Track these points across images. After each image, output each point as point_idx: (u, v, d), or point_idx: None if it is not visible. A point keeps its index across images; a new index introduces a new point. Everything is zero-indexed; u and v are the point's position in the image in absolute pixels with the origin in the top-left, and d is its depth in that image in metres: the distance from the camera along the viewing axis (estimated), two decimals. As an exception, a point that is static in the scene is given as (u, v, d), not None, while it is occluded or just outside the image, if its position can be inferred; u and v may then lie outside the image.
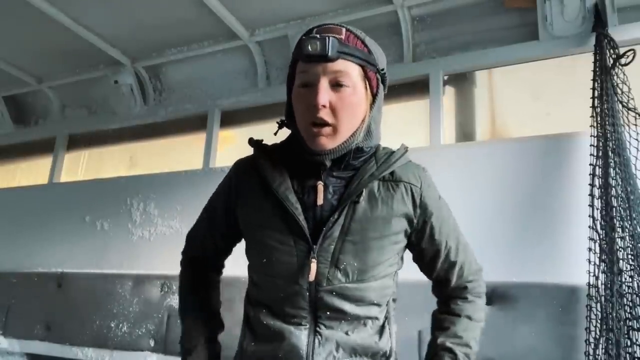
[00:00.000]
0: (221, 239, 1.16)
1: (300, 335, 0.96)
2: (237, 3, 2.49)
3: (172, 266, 2.65)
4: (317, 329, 0.97)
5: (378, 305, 1.01)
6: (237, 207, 1.07)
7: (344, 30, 0.96)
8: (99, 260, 2.84)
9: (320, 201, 0.98)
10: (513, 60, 2.30)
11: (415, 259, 1.10)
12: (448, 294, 1.09)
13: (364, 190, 0.98)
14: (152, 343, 2.49)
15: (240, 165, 1.11)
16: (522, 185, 2.02)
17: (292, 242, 0.97)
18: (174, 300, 2.48)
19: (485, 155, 2.13)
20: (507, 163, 2.07)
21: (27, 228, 3.19)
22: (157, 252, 2.65)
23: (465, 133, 2.42)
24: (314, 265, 0.95)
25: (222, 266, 1.25)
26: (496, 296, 1.88)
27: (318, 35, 0.93)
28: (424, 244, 1.05)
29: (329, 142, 0.95)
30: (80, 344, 2.68)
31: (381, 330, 1.02)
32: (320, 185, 0.99)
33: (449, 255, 1.06)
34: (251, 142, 1.09)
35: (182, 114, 3.08)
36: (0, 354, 2.87)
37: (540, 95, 2.28)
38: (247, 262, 1.08)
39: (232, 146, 3.04)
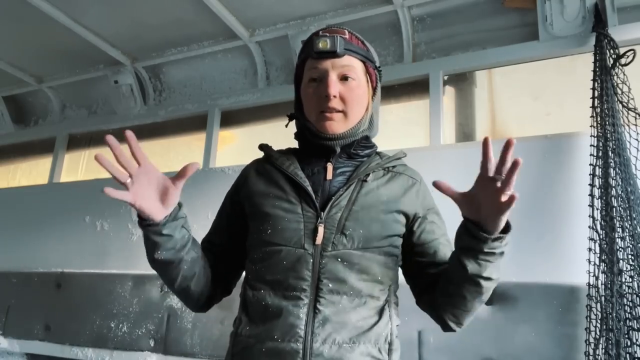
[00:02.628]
0: (225, 238, 1.14)
1: (299, 313, 0.95)
2: (237, 3, 2.49)
3: (172, 266, 2.64)
4: (317, 304, 0.95)
5: (381, 283, 1.02)
6: (243, 193, 1.11)
7: (346, 31, 1.08)
8: (99, 260, 2.84)
9: (329, 176, 1.06)
10: (513, 60, 2.30)
11: (411, 259, 1.08)
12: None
13: (371, 173, 1.07)
14: (152, 343, 2.48)
15: (250, 164, 1.18)
16: (522, 185, 2.01)
17: (299, 210, 1.02)
18: (174, 300, 2.48)
19: (485, 155, 2.13)
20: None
21: (27, 228, 3.19)
22: (157, 252, 2.64)
23: (465, 133, 2.42)
24: (320, 229, 0.99)
25: (222, 281, 1.13)
26: (496, 296, 1.87)
27: (327, 34, 1.04)
28: (426, 236, 1.07)
29: (339, 127, 1.05)
30: (80, 344, 2.68)
31: (381, 312, 1.01)
32: (329, 165, 1.07)
33: (447, 248, 1.07)
34: (261, 146, 1.18)
35: (182, 114, 3.08)
36: (0, 354, 2.87)
37: (540, 95, 2.28)
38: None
39: (232, 146, 3.04)
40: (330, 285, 0.97)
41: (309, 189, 1.02)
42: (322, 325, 0.94)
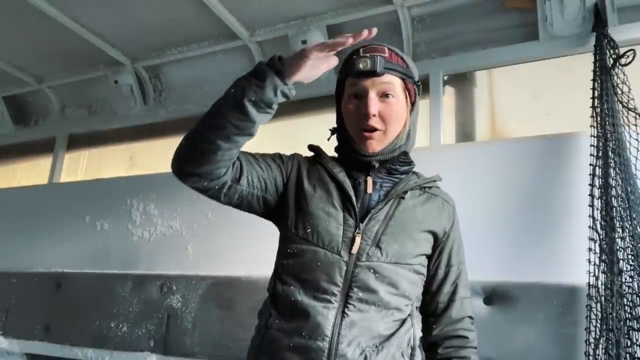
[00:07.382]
0: (257, 169, 1.10)
1: (328, 315, 0.99)
2: (237, 3, 2.49)
3: (172, 266, 2.65)
4: (345, 310, 1.00)
5: (408, 298, 1.07)
6: (293, 178, 1.13)
7: (386, 49, 1.12)
8: (99, 260, 2.83)
9: (370, 190, 1.11)
10: (513, 60, 2.30)
11: (427, 278, 1.16)
12: (448, 331, 1.13)
13: (409, 191, 1.13)
14: (152, 343, 2.48)
15: (298, 154, 1.22)
16: (522, 185, 2.02)
17: (340, 217, 1.06)
18: (174, 300, 2.48)
19: (485, 155, 2.13)
20: (507, 163, 2.07)
21: (27, 228, 3.19)
22: (157, 252, 2.65)
23: (465, 133, 2.42)
24: (358, 239, 1.04)
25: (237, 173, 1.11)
26: (496, 296, 1.88)
27: (368, 55, 1.08)
28: (442, 259, 1.14)
29: (378, 145, 1.10)
30: (80, 344, 2.68)
31: (403, 322, 1.06)
32: (370, 179, 1.12)
33: (458, 278, 1.15)
34: (312, 146, 1.22)
35: (182, 114, 3.08)
36: (0, 354, 2.87)
37: (540, 95, 2.28)
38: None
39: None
40: (360, 294, 1.01)
41: (354, 198, 1.07)
42: (350, 328, 0.99)
